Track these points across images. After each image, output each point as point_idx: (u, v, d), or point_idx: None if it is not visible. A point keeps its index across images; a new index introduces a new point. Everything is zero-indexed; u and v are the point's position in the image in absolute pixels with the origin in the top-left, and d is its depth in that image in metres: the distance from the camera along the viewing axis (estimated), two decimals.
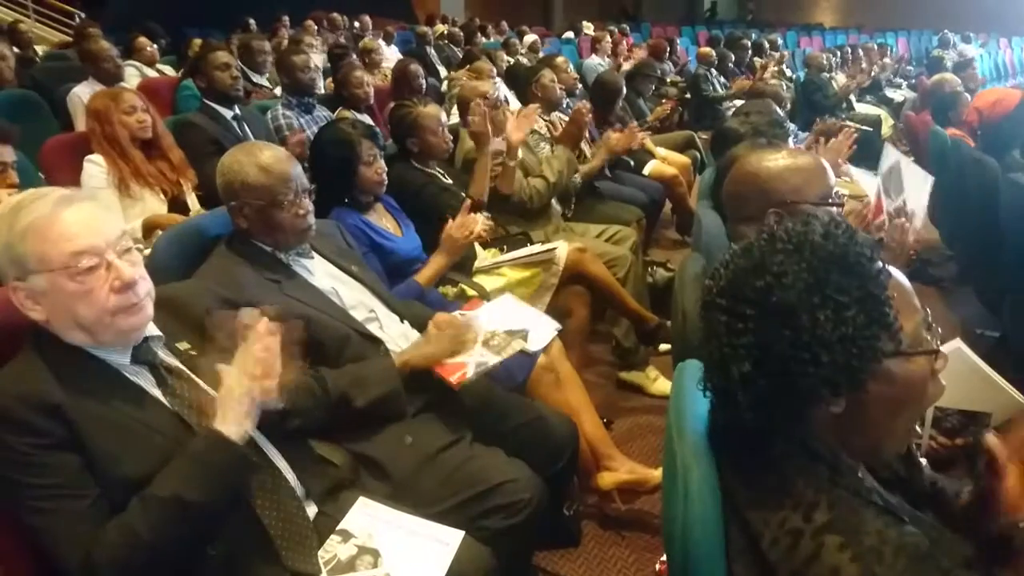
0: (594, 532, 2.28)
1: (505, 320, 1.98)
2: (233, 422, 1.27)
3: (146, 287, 1.29)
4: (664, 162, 4.79)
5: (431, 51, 7.96)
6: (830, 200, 1.62)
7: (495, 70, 5.23)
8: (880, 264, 0.91)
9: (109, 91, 2.89)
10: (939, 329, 0.98)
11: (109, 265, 1.23)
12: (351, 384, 1.68)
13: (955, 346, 1.64)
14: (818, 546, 0.84)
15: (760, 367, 0.89)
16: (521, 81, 4.20)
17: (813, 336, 0.86)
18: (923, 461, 1.49)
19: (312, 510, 1.46)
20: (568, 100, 4.35)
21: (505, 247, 2.96)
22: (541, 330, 2.03)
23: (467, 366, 1.81)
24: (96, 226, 1.23)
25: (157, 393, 1.32)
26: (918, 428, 1.59)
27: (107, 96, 2.78)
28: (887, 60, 9.54)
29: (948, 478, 1.24)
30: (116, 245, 1.25)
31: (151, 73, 5.57)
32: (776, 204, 1.61)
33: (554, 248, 2.71)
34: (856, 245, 0.90)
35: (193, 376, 1.38)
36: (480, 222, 2.46)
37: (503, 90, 3.89)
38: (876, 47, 10.16)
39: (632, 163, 4.49)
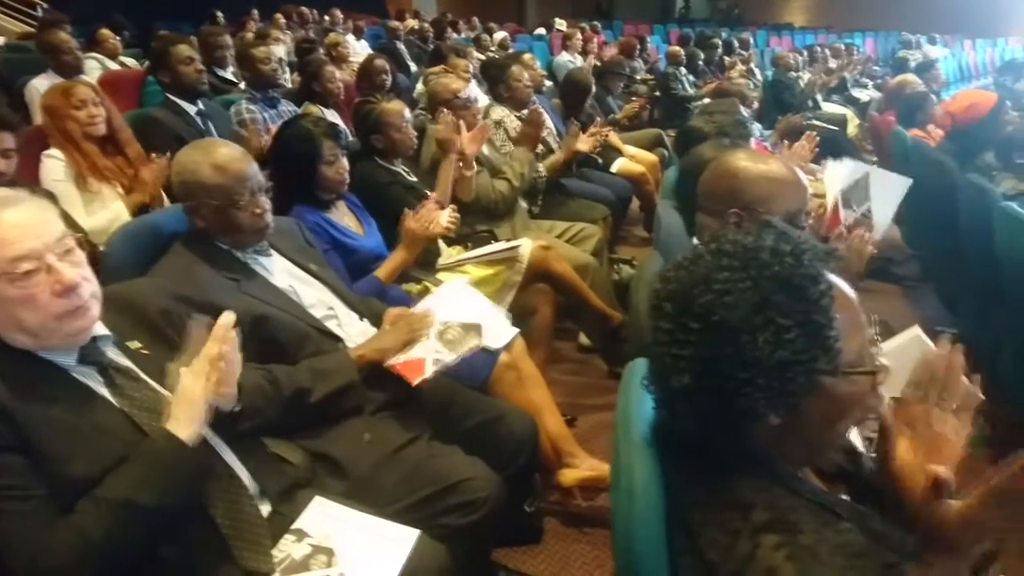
0: (556, 528, 2.29)
1: (459, 310, 1.99)
2: (186, 425, 1.26)
3: (90, 288, 1.27)
4: (632, 160, 4.82)
5: (401, 46, 7.92)
6: (796, 221, 1.62)
7: (471, 67, 5.23)
8: (826, 286, 0.91)
9: (60, 85, 2.83)
10: (880, 346, 0.99)
11: (50, 268, 1.20)
12: (307, 378, 1.67)
13: (914, 333, 1.67)
14: (755, 546, 0.85)
15: (700, 381, 0.90)
16: (491, 77, 4.19)
17: (752, 357, 0.87)
18: (873, 453, 1.52)
19: (267, 509, 1.45)
20: (535, 97, 4.35)
21: (469, 244, 2.96)
22: (495, 327, 2.03)
23: (425, 364, 1.82)
24: (34, 229, 1.20)
25: (105, 393, 1.30)
26: (876, 421, 1.63)
27: (58, 91, 2.73)
28: (855, 56, 9.70)
29: None
30: (56, 247, 1.22)
31: (113, 66, 5.48)
32: (741, 206, 1.62)
33: (518, 246, 2.71)
34: (803, 267, 0.90)
35: (143, 376, 1.36)
36: (446, 216, 2.46)
37: (474, 89, 3.88)
38: (843, 47, 10.31)
39: (600, 160, 4.51)
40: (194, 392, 1.27)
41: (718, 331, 0.88)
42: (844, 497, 1.06)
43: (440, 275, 2.69)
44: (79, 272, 1.24)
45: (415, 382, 1.78)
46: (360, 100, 2.95)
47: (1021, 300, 2.48)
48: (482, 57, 6.60)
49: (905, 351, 1.66)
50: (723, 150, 1.99)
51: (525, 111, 3.98)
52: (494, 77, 4.10)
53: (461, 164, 2.94)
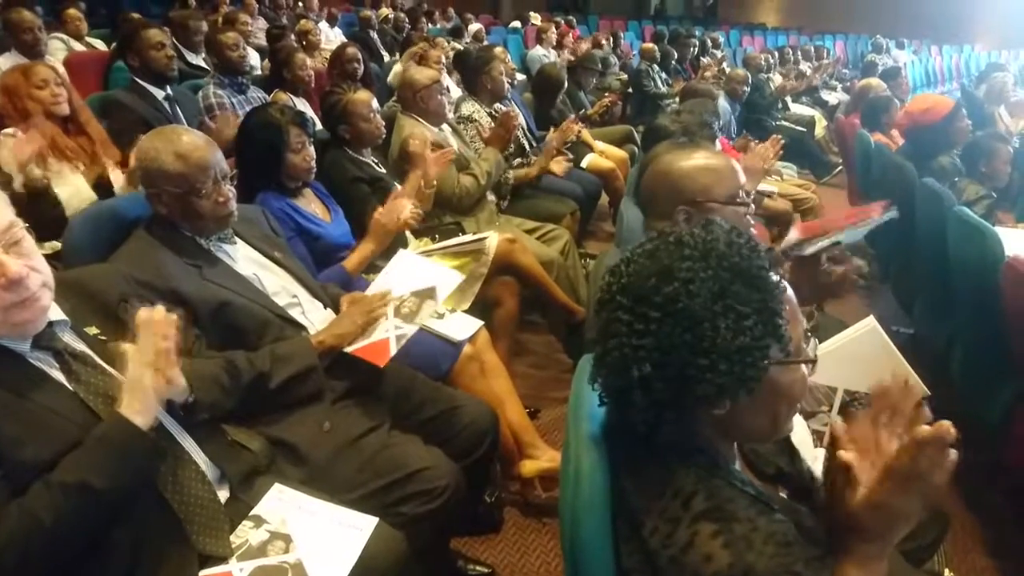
0: (515, 519, 2.32)
1: (409, 280, 2.02)
2: (139, 411, 1.26)
3: (39, 279, 1.24)
4: (602, 156, 4.86)
5: (375, 35, 7.87)
6: (738, 200, 1.66)
7: (444, 57, 5.21)
8: (777, 276, 0.95)
9: (21, 66, 2.78)
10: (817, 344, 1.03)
11: None
12: (267, 363, 1.68)
13: (870, 325, 1.68)
14: (693, 533, 0.88)
15: (659, 370, 0.92)
16: (470, 67, 4.18)
17: (713, 344, 0.90)
18: (822, 451, 1.56)
19: (225, 494, 1.46)
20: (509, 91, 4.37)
21: (437, 236, 2.97)
22: (445, 282, 2.08)
23: (388, 343, 1.83)
24: None
25: (60, 378, 1.29)
26: (826, 415, 1.67)
27: (18, 71, 2.69)
28: (825, 60, 9.85)
29: None
30: (2, 239, 1.19)
31: (79, 47, 5.38)
32: (686, 202, 1.65)
33: (484, 238, 2.73)
34: (758, 257, 0.94)
35: (100, 361, 1.36)
36: (407, 209, 2.47)
37: (445, 80, 3.87)
38: (814, 50, 10.45)
39: (570, 156, 4.54)
40: (143, 380, 1.27)
41: (680, 319, 0.91)
42: (782, 495, 1.10)
43: None
44: (26, 263, 1.21)
45: (384, 363, 1.80)
46: (327, 90, 2.93)
47: (971, 302, 2.55)
48: (458, 47, 6.57)
49: (861, 343, 1.69)
50: (674, 149, 2.02)
51: (497, 105, 4.01)
52: (472, 69, 4.09)
53: (423, 183, 2.88)
